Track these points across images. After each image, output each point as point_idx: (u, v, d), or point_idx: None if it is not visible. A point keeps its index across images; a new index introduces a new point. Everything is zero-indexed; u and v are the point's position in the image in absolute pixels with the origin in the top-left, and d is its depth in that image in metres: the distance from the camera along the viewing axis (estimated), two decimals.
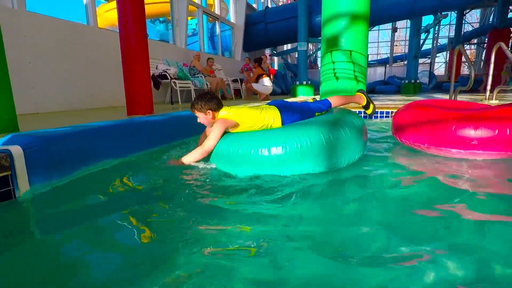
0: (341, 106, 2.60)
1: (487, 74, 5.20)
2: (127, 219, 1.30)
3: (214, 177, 1.79)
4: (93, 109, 4.77)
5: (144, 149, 2.36)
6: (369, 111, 2.56)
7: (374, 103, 2.57)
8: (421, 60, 15.58)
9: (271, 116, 2.07)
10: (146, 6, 3.62)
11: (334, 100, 2.44)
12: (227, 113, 2.05)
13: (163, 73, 5.74)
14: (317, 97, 5.90)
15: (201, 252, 0.99)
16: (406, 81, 10.94)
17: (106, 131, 2.03)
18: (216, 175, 1.83)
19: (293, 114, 2.14)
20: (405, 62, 16.33)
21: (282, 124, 2.10)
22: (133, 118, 2.69)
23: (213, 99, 2.06)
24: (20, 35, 3.89)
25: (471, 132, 2.00)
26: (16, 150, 1.46)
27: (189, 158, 1.94)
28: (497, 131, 1.95)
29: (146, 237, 1.14)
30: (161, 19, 11.49)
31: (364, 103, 2.55)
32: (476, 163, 2.03)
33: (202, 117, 2.07)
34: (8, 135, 1.65)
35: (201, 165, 1.94)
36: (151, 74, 4.66)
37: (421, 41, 10.84)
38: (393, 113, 2.77)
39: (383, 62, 20.20)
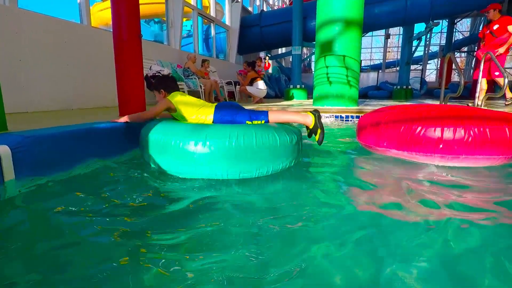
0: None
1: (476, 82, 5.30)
2: (90, 221, 1.28)
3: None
4: (85, 109, 4.71)
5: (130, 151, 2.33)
6: (316, 137, 2.12)
7: (324, 129, 2.12)
8: (413, 67, 15.82)
9: (204, 113, 2.17)
10: (141, 6, 3.60)
11: (273, 115, 2.17)
12: (174, 97, 2.28)
13: (156, 74, 5.70)
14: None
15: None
16: (398, 87, 11.10)
17: (93, 133, 2.01)
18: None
19: (227, 116, 2.14)
20: (398, 68, 16.57)
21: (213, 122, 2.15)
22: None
23: (169, 81, 2.47)
24: (11, 32, 3.83)
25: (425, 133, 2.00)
26: (4, 150, 1.44)
27: (128, 118, 2.33)
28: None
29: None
30: (156, 19, 11.46)
31: (311, 125, 2.12)
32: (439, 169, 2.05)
33: (157, 95, 2.47)
34: None
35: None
36: (145, 74, 4.63)
37: (413, 48, 11.03)
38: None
39: (376, 68, 20.46)
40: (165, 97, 2.37)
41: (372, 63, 24.39)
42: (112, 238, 1.13)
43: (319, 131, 2.09)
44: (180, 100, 2.27)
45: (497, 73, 4.98)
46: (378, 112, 2.48)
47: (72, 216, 1.31)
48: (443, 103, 4.45)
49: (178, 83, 6.00)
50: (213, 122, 2.15)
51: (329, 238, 1.14)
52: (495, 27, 5.04)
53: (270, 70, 15.14)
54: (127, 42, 3.39)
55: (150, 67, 5.78)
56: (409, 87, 11.06)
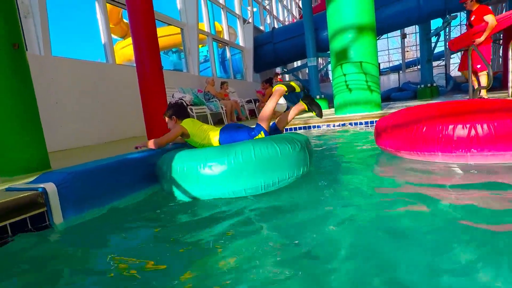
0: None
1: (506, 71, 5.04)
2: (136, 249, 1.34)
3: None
4: (116, 141, 4.97)
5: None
6: (314, 113, 2.42)
7: (318, 104, 2.44)
8: (435, 63, 15.33)
9: (212, 135, 2.36)
10: (159, 39, 3.82)
11: (262, 118, 2.33)
12: (186, 124, 2.42)
13: (179, 101, 5.94)
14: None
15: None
16: (422, 86, 10.74)
17: (130, 163, 2.11)
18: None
19: (234, 135, 2.30)
20: (419, 67, 16.10)
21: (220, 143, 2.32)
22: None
23: (179, 108, 2.59)
24: (47, 78, 4.18)
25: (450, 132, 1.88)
26: (50, 187, 1.55)
27: (150, 143, 2.37)
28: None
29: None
30: (173, 49, 12.02)
31: (290, 88, 2.39)
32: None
33: (168, 122, 2.59)
34: (42, 174, 1.75)
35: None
36: (168, 102, 4.84)
37: (433, 45, 10.71)
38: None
39: (395, 69, 20.02)
40: (176, 123, 2.52)
41: (391, 65, 23.91)
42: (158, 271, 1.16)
43: (293, 84, 2.38)
44: (192, 126, 2.43)
45: (479, 66, 4.75)
46: (397, 113, 2.43)
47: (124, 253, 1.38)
48: (472, 98, 4.26)
49: (200, 107, 6.21)
50: (219, 142, 2.33)
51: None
52: (473, 18, 4.86)
53: None
54: (150, 75, 3.59)
55: (173, 95, 6.02)
56: (434, 84, 10.66)
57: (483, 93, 4.91)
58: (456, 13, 9.37)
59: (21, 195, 1.47)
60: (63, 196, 1.60)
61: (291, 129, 5.03)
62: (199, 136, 2.40)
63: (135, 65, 3.69)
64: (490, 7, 4.83)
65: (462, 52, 5.06)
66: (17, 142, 2.15)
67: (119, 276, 1.12)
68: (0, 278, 1.16)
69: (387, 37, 23.31)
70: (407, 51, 23.37)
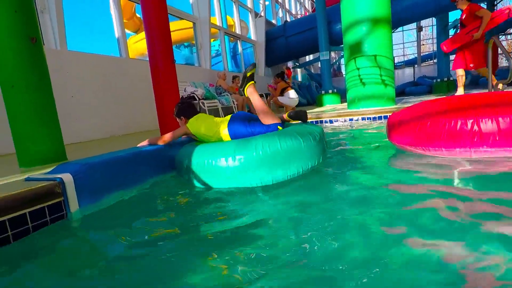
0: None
1: None
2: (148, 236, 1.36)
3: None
4: (130, 134, 5.05)
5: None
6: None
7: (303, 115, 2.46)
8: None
9: (221, 129, 2.31)
10: (171, 34, 3.84)
11: (267, 118, 2.28)
12: (192, 124, 2.42)
13: (191, 94, 5.98)
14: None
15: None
16: (438, 80, 10.47)
17: (143, 156, 2.14)
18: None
19: (241, 128, 2.26)
20: (435, 61, 15.66)
21: (230, 131, 2.28)
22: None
23: (185, 108, 2.59)
24: (63, 72, 4.28)
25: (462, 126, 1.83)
26: (67, 178, 1.59)
27: (148, 141, 2.39)
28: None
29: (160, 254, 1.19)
30: (185, 44, 12.07)
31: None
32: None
33: (178, 121, 2.64)
34: (59, 164, 1.80)
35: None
36: (180, 96, 4.88)
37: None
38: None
39: (410, 63, 19.52)
40: (185, 123, 2.50)
41: (406, 59, 23.32)
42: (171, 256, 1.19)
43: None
44: (199, 124, 2.40)
45: (472, 65, 4.75)
46: (409, 107, 2.38)
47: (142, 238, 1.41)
48: (492, 91, 4.12)
49: (212, 101, 6.23)
50: (229, 135, 2.29)
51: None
52: (463, 16, 4.77)
53: (299, 78, 15.13)
54: (162, 69, 3.62)
55: (185, 89, 6.07)
56: (451, 78, 10.37)
57: (500, 86, 4.79)
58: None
59: (40, 185, 1.51)
60: (79, 186, 1.64)
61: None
62: (207, 134, 2.36)
63: (148, 59, 3.73)
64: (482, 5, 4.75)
65: (457, 50, 4.99)
66: (35, 134, 2.21)
67: (130, 261, 1.15)
68: (22, 264, 1.20)
69: (402, 30, 22.72)
70: (423, 45, 22.75)
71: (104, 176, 1.79)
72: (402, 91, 11.98)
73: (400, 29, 21.12)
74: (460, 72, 4.96)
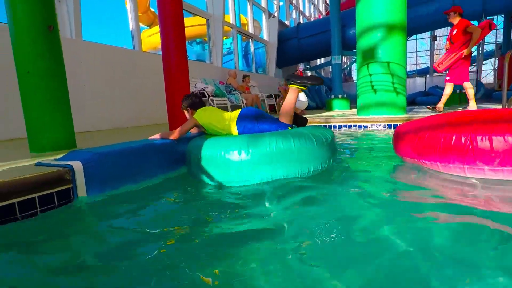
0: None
1: None
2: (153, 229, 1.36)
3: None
4: (139, 127, 5.09)
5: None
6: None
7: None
8: None
9: (229, 123, 2.34)
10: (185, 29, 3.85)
11: (283, 114, 2.33)
12: (200, 115, 2.42)
13: (201, 91, 6.00)
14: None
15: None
16: None
17: (154, 148, 2.15)
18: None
19: (252, 123, 2.29)
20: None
21: (238, 127, 2.31)
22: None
23: (192, 100, 2.59)
24: (76, 61, 4.32)
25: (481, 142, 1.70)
26: (77, 165, 1.61)
27: (160, 135, 2.36)
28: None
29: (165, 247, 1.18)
30: (197, 40, 12.12)
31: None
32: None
33: (185, 114, 2.64)
34: (70, 152, 1.82)
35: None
36: (191, 92, 4.90)
37: None
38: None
39: (422, 73, 19.32)
40: (192, 115, 2.51)
41: (418, 68, 23.09)
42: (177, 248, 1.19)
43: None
44: (204, 117, 2.41)
45: (448, 78, 4.98)
46: (416, 121, 2.33)
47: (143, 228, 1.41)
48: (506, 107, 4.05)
49: (221, 99, 6.24)
50: (237, 126, 2.31)
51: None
52: (454, 32, 4.81)
53: None
54: (175, 64, 3.63)
55: (195, 85, 6.09)
56: (463, 91, 10.23)
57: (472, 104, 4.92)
58: (493, 16, 8.93)
59: (50, 171, 1.52)
60: (89, 175, 1.65)
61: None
62: (217, 126, 2.36)
63: (160, 53, 3.74)
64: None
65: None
66: (48, 121, 2.23)
67: (133, 247, 1.17)
68: (30, 247, 1.21)
69: (416, 39, 22.51)
70: (436, 54, 22.47)
71: (114, 166, 1.80)
72: (412, 101, 11.85)
73: (413, 37, 20.94)
74: (467, 84, 4.94)
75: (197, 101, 2.61)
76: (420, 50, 24.06)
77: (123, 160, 1.87)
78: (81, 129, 4.27)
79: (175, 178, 2.22)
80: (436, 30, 17.76)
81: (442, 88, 12.37)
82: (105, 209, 1.62)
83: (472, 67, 17.58)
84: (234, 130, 2.33)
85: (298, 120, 2.43)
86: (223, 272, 0.99)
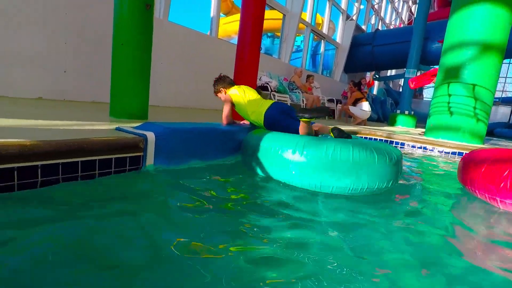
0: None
1: None
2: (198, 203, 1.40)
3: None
4: (202, 109, 5.33)
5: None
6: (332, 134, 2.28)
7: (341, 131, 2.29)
8: None
9: (261, 107, 2.41)
10: None
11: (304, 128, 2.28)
12: (232, 92, 2.53)
13: (265, 84, 6.05)
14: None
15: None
16: None
17: (216, 133, 2.23)
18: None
19: (278, 115, 2.35)
20: None
21: (265, 115, 2.36)
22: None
23: (222, 79, 2.65)
24: (159, 39, 4.64)
25: None
26: (151, 136, 1.73)
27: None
28: None
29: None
30: (268, 34, 12.21)
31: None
32: None
33: (220, 96, 2.67)
34: (145, 123, 1.97)
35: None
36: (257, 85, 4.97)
37: None
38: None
39: (508, 101, 17.05)
40: (226, 94, 2.59)
41: (503, 95, 20.41)
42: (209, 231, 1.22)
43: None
44: (242, 91, 2.52)
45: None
46: (492, 149, 2.07)
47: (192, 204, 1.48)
48: None
49: (283, 95, 6.23)
50: (264, 116, 2.37)
51: None
52: None
53: (375, 91, 14.30)
54: (248, 54, 3.70)
55: (260, 78, 6.16)
56: None
57: None
58: None
59: (128, 137, 1.67)
60: (158, 147, 1.78)
61: (375, 139, 4.70)
62: (249, 105, 2.45)
63: (233, 42, 3.84)
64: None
65: None
66: (131, 90, 2.45)
67: (188, 215, 1.25)
68: (97, 204, 1.35)
69: (509, 62, 19.88)
70: None
71: (181, 142, 1.91)
72: (490, 131, 10.58)
73: (506, 60, 18.50)
74: None
75: (226, 79, 2.68)
76: (510, 76, 21.20)
77: (189, 138, 1.97)
78: (152, 103, 4.61)
79: (231, 165, 2.28)
80: None
81: None
82: (165, 179, 1.74)
83: None
84: (261, 118, 2.40)
85: (341, 134, 2.29)
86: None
